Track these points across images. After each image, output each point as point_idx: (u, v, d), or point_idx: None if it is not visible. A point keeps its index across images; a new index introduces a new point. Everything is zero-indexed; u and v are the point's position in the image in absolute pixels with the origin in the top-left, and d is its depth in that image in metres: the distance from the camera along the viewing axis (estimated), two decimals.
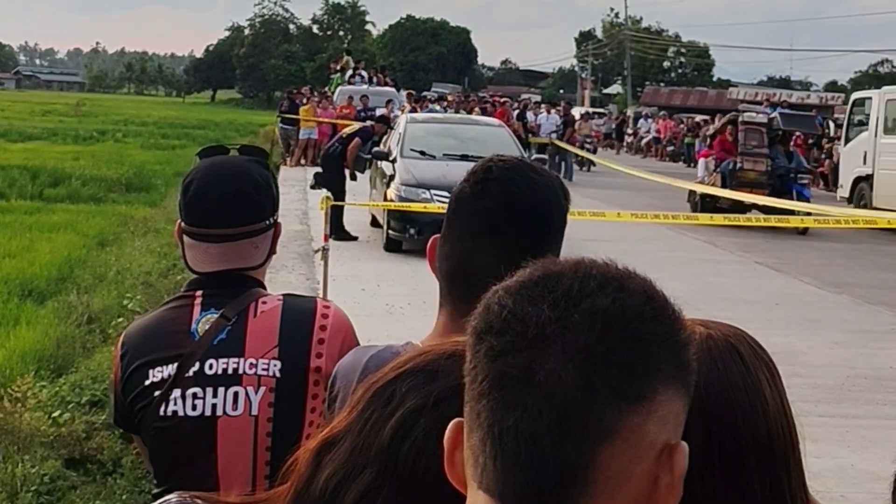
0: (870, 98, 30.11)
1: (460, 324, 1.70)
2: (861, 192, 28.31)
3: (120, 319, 11.46)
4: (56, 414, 8.21)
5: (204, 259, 3.21)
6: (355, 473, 1.63)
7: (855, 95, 33.37)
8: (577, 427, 1.28)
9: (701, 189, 24.63)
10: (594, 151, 46.80)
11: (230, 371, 3.07)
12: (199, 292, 3.19)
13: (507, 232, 2.31)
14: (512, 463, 1.30)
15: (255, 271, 3.26)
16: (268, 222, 3.25)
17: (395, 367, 1.73)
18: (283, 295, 3.25)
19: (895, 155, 27.12)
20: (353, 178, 20.97)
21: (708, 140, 28.24)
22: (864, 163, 28.48)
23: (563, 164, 37.79)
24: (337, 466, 1.65)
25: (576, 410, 1.28)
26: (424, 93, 54.67)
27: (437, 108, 39.63)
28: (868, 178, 28.10)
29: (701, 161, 29.31)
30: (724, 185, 24.97)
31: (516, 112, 40.33)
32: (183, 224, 3.24)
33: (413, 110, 37.02)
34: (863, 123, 29.52)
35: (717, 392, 1.90)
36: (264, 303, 3.13)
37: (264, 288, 3.27)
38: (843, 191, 29.81)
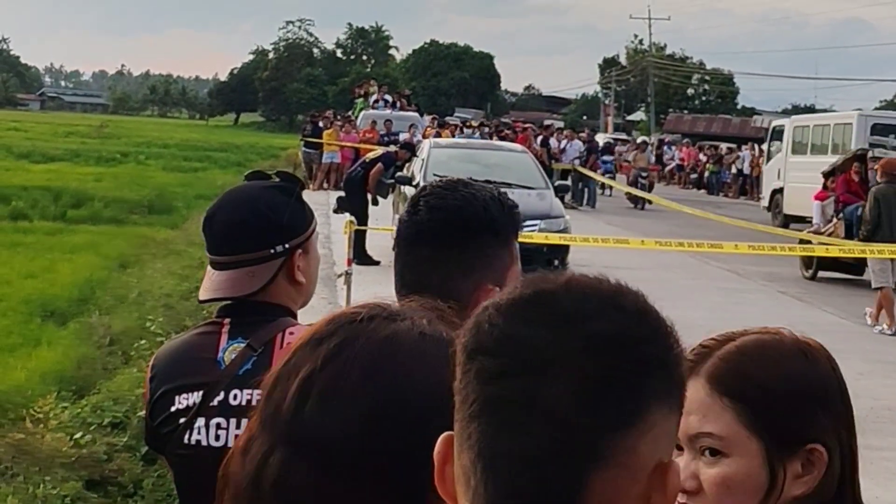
0: (784, 125, 37.33)
1: None
2: (776, 201, 34.86)
3: (141, 342, 11.46)
4: (77, 435, 8.19)
5: (206, 286, 3.22)
6: (268, 453, 1.61)
7: (774, 123, 41.30)
8: (572, 453, 1.26)
9: (820, 240, 20.19)
10: (650, 188, 42.66)
11: (254, 402, 3.04)
12: (227, 319, 3.16)
13: (434, 237, 2.49)
14: (504, 488, 1.28)
15: (286, 299, 3.22)
16: (272, 251, 3.18)
17: (290, 348, 1.73)
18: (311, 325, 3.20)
19: (801, 171, 32.14)
20: (375, 202, 20.96)
21: (826, 179, 23.27)
22: (779, 178, 34.97)
23: (585, 190, 37.79)
24: (255, 452, 1.63)
25: (571, 436, 1.26)
26: (447, 118, 54.74)
27: (467, 132, 39.84)
28: (781, 191, 34.59)
29: (816, 205, 23.30)
30: (848, 235, 20.02)
31: (540, 138, 40.25)
32: None
33: (437, 135, 37.14)
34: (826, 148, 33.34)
35: (837, 387, 2.14)
36: (292, 333, 3.07)
37: (295, 317, 3.23)
38: (764, 201, 36.71)
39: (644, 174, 43.52)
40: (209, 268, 3.22)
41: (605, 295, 1.33)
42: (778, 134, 37.56)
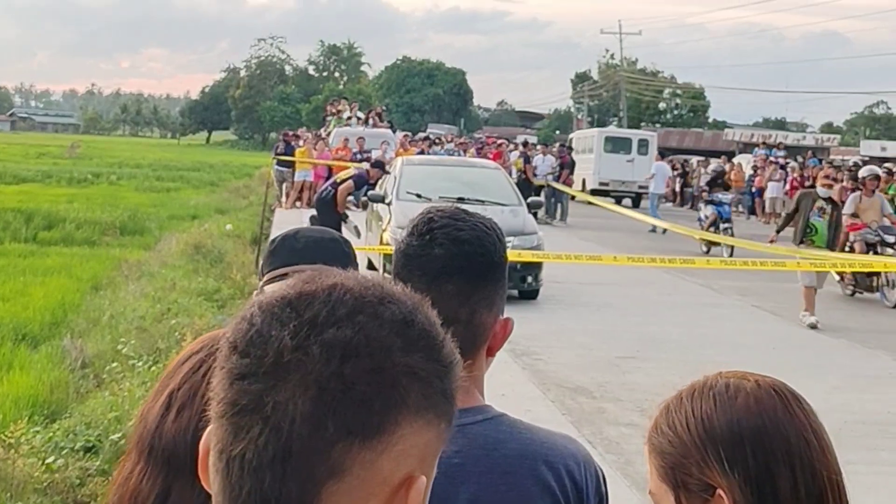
0: (593, 136, 50.58)
1: None
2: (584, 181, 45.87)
3: (114, 364, 11.41)
4: (50, 460, 8.13)
5: None
6: (134, 467, 1.64)
7: (577, 134, 56.31)
8: (303, 463, 1.24)
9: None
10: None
11: None
12: None
13: (461, 274, 2.42)
14: (234, 493, 1.26)
15: None
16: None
17: (165, 370, 1.78)
18: None
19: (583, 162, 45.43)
20: (345, 219, 20.80)
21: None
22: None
23: (559, 205, 37.77)
24: (127, 470, 1.66)
25: (302, 446, 1.23)
26: (421, 133, 54.84)
27: (440, 150, 39.84)
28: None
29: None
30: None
31: (521, 156, 40.23)
32: None
33: (421, 152, 37.14)
34: (589, 150, 48.17)
35: (795, 435, 1.98)
36: None
37: None
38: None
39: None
40: None
41: (366, 301, 1.29)
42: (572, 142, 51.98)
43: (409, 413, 1.27)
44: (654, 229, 34.26)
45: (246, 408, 1.25)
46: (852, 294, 21.25)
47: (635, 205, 43.26)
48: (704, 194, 31.93)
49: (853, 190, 23.97)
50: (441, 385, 1.31)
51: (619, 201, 44.02)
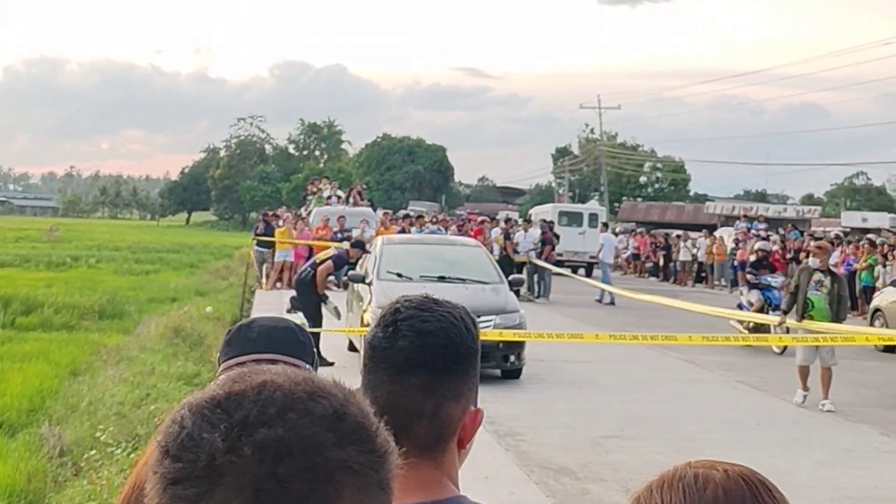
0: (548, 210, 52.52)
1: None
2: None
3: (92, 452, 11.32)
4: None
5: None
6: None
7: (536, 210, 57.73)
8: None
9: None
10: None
11: None
12: None
13: (425, 367, 2.38)
14: None
15: None
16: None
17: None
18: None
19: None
20: (324, 300, 20.67)
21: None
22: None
23: (541, 283, 37.75)
24: None
25: None
26: (402, 211, 55.01)
27: (424, 229, 39.87)
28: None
29: None
30: None
31: (502, 233, 40.22)
32: None
33: (402, 230, 37.14)
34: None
35: None
36: None
37: None
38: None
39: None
40: None
41: (297, 398, 1.29)
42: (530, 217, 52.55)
43: None
44: (600, 299, 36.29)
45: None
46: None
47: (588, 274, 45.30)
48: (750, 277, 27.02)
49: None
50: (377, 476, 1.31)
51: (574, 270, 45.56)
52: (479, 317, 2.73)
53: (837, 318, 17.16)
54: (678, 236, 52.88)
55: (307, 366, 3.20)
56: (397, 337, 2.43)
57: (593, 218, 50.90)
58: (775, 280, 26.31)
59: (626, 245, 59.48)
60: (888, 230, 52.40)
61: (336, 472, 1.25)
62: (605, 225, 47.02)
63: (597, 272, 40.49)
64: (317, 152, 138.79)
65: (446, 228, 43.48)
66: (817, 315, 17.18)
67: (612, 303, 35.43)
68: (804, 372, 17.20)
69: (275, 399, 1.28)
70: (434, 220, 47.33)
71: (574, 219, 51.12)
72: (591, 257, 41.97)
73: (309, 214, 42.40)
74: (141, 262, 47.13)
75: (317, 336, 18.70)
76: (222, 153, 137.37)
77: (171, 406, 13.48)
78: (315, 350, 3.41)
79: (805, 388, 17.16)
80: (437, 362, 2.39)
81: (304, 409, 1.27)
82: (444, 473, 2.36)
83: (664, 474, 2.02)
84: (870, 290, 33.41)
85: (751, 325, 23.96)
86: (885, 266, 34.75)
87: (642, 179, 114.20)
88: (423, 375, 2.38)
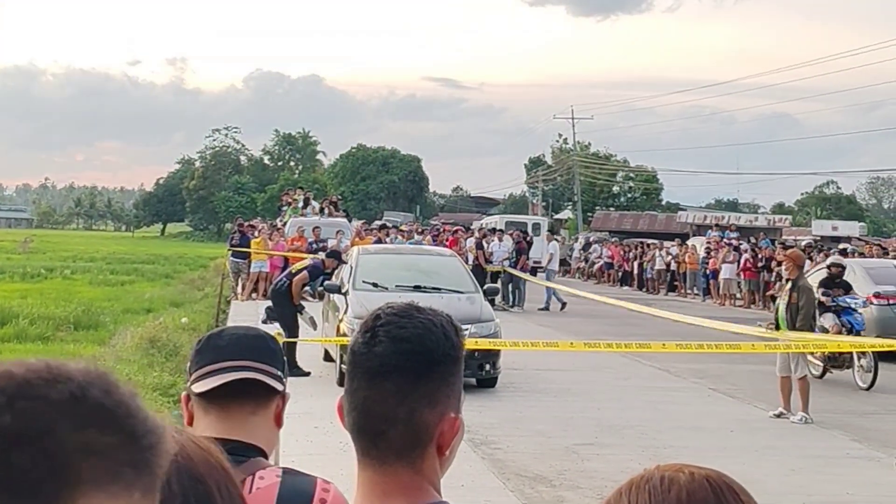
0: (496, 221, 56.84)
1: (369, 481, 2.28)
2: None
3: None
4: None
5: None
6: None
7: (486, 220, 59.84)
8: None
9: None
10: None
11: None
12: None
13: (398, 372, 2.39)
14: None
15: (264, 441, 3.17)
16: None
17: None
18: (283, 470, 3.11)
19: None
20: (300, 310, 20.67)
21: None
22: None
23: (516, 292, 37.76)
24: None
25: None
26: (377, 221, 55.08)
27: (417, 239, 40.00)
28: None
29: None
30: None
31: (474, 241, 40.27)
32: None
33: (378, 241, 37.15)
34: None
35: None
36: (262, 478, 3.00)
37: (266, 456, 3.16)
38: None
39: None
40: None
41: (30, 385, 1.26)
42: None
43: (88, 489, 1.23)
44: (546, 307, 37.43)
45: None
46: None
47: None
48: (825, 298, 21.74)
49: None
50: (127, 456, 1.27)
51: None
52: None
53: (793, 325, 17.25)
54: (651, 245, 53.04)
55: (278, 373, 3.24)
56: (374, 343, 2.44)
57: (536, 227, 55.43)
58: (854, 301, 22.43)
59: (600, 254, 59.60)
60: (858, 238, 52.80)
61: (73, 455, 1.23)
62: (551, 232, 51.52)
63: (541, 276, 40.62)
64: (292, 163, 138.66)
65: (422, 238, 43.58)
66: (781, 324, 17.33)
67: (562, 308, 37.46)
68: (785, 385, 17.04)
69: (5, 388, 1.25)
70: (419, 230, 47.54)
71: (519, 228, 52.24)
72: (535, 262, 42.26)
73: (284, 225, 42.36)
74: (116, 273, 47.04)
75: (293, 346, 18.73)
76: (197, 164, 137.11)
77: None
78: (286, 359, 3.45)
79: (787, 408, 16.92)
80: (411, 368, 2.40)
81: (35, 395, 1.24)
82: (425, 479, 2.38)
83: (633, 477, 2.07)
84: None
85: (826, 353, 20.88)
86: None
87: (615, 189, 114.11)
88: (397, 380, 2.39)
